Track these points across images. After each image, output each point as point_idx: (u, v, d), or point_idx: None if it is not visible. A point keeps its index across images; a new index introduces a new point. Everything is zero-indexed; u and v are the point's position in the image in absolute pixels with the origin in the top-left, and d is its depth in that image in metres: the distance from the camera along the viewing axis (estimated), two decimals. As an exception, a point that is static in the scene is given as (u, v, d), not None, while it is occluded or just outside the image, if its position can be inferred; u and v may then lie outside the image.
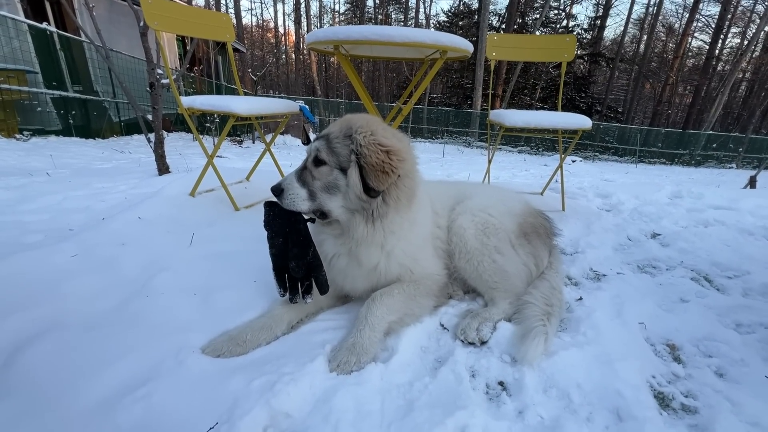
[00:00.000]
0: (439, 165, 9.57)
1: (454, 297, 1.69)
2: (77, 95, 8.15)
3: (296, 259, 1.35)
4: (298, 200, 1.32)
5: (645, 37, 31.53)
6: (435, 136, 21.06)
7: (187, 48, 12.23)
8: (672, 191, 3.61)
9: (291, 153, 10.73)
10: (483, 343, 1.38)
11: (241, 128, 15.23)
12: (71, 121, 7.93)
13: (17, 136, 6.64)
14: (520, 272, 1.61)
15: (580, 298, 1.69)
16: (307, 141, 14.68)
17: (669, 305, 1.72)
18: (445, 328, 1.49)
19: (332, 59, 39.00)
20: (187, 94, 13.06)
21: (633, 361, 1.27)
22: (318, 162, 1.34)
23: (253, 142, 13.32)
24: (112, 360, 1.16)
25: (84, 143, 7.63)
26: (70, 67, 8.20)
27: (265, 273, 1.79)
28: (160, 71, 5.06)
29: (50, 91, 7.58)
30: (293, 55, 42.06)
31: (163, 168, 4.95)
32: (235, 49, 17.27)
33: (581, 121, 2.54)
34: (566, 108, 24.98)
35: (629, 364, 1.25)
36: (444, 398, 1.09)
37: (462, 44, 2.15)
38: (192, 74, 12.83)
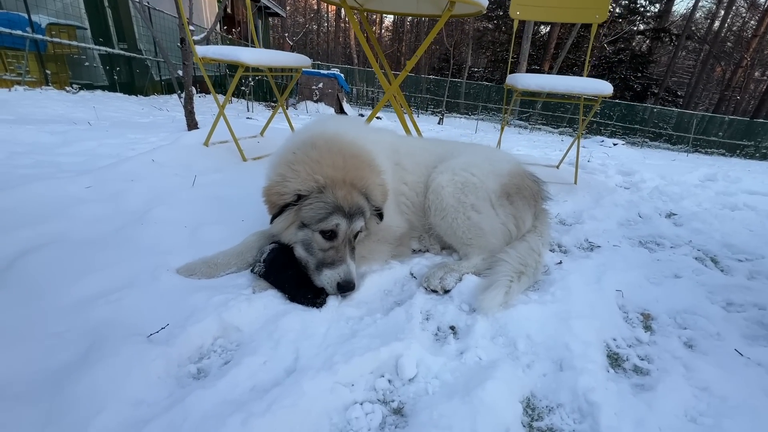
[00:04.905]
0: (468, 140, 9.30)
1: (431, 251, 1.70)
2: (122, 52, 8.54)
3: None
4: None
5: (722, 12, 28.14)
6: (472, 112, 20.34)
7: (226, 9, 12.37)
8: (706, 173, 3.33)
9: (321, 120, 10.73)
10: (446, 291, 1.40)
11: (271, 90, 15.46)
12: (116, 78, 8.36)
13: (67, 88, 7.11)
14: (496, 230, 1.58)
15: (560, 262, 1.65)
16: (340, 110, 14.66)
17: (659, 279, 1.64)
18: (414, 277, 1.52)
19: (374, 28, 38.06)
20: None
21: (593, 321, 1.24)
22: (358, 234, 1.38)
23: (287, 108, 13.49)
24: (96, 269, 1.28)
25: (126, 99, 8.05)
26: (116, 25, 8.57)
27: (254, 215, 1.88)
28: (192, 27, 5.19)
29: (98, 47, 7.99)
30: (334, 23, 41.46)
31: (192, 124, 5.16)
32: (275, 14, 17.24)
33: (600, 87, 2.38)
34: (617, 88, 23.18)
35: (588, 323, 1.22)
36: (388, 332, 1.13)
37: (472, -5, 2.04)
38: (230, 36, 13.01)
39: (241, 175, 2.49)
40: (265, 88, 15.90)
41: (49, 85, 6.90)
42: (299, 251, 1.34)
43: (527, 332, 1.18)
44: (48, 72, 6.93)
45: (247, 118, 7.96)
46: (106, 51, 8.09)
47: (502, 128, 2.92)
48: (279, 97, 3.18)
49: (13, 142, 3.48)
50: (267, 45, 16.88)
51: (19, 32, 6.29)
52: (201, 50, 2.58)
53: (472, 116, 19.34)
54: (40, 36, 6.59)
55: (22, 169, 2.69)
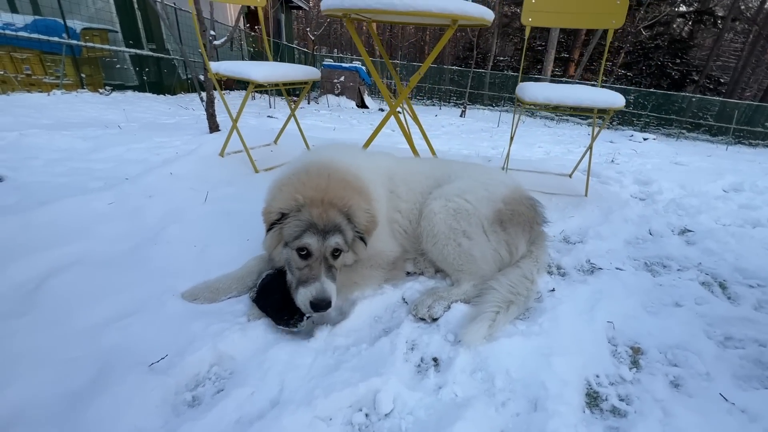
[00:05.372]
0: (489, 136, 9.10)
1: (425, 274, 1.73)
2: (151, 53, 8.87)
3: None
4: (335, 297, 1.31)
5: (775, -12, 25.76)
6: (496, 103, 19.85)
7: (249, 6, 12.52)
8: (732, 182, 3.17)
9: (341, 116, 10.80)
10: (434, 320, 1.44)
11: (298, 87, 15.64)
12: (145, 78, 8.72)
13: (101, 90, 7.50)
14: (487, 257, 1.60)
15: (553, 290, 1.65)
16: (361, 103, 14.67)
17: (657, 308, 1.62)
18: (405, 302, 1.57)
19: (397, 17, 37.54)
20: (249, 53, 13.56)
21: (576, 358, 1.25)
22: (338, 252, 1.37)
23: (308, 103, 13.63)
24: (110, 294, 1.41)
25: (155, 99, 8.40)
26: (145, 26, 8.89)
27: (258, 234, 1.97)
28: (212, 32, 5.34)
29: (128, 50, 8.34)
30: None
31: (213, 126, 5.36)
32: (298, 7, 17.31)
33: (611, 99, 2.30)
34: (653, 76, 21.96)
35: (570, 359, 1.24)
36: (370, 364, 1.19)
37: (475, 12, 2.01)
38: (254, 33, 13.20)
39: (250, 188, 2.59)
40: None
41: (83, 88, 7.29)
42: (288, 272, 1.41)
43: (507, 368, 1.21)
44: (83, 75, 7.31)
45: (268, 116, 8.13)
46: (135, 53, 8.42)
47: (511, 140, 2.87)
48: (291, 108, 3.25)
49: (50, 149, 3.75)
50: (290, 39, 17.02)
51: (56, 39, 6.65)
52: (214, 66, 2.68)
53: (496, 108, 18.88)
54: (75, 41, 6.95)
55: (58, 177, 2.91)
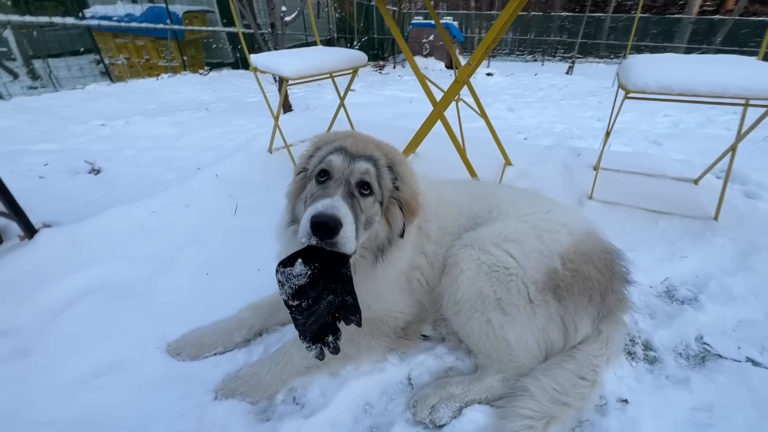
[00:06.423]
0: (597, 101, 7.43)
1: (447, 342, 1.36)
2: (243, 30, 9.25)
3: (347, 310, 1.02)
4: (352, 239, 0.96)
5: None
6: (617, 54, 16.51)
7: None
8: None
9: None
10: (437, 427, 1.09)
11: (383, 47, 15.14)
12: (238, 55, 9.20)
13: (200, 71, 8.13)
14: (527, 342, 1.15)
15: (625, 401, 1.13)
16: (451, 63, 13.58)
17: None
18: (411, 384, 1.24)
19: (501, -44, 33.15)
20: (336, 18, 13.37)
21: None
22: (366, 190, 1.08)
23: (394, 67, 13.08)
24: (106, 337, 1.38)
25: (246, 75, 8.84)
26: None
27: (272, 261, 1.80)
28: (283, 8, 5.20)
29: (223, 29, 8.82)
30: (456, -43, 37.45)
31: (286, 106, 5.45)
32: (388, -39, 16.30)
33: (778, 86, 1.47)
34: None
35: None
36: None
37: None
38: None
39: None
40: (376, 46, 15.52)
41: (186, 70, 7.98)
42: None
43: None
44: (185, 57, 7.98)
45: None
46: (228, 31, 8.87)
47: (608, 135, 2.13)
48: (341, 98, 2.96)
49: (145, 137, 4.17)
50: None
51: (161, 25, 7.29)
52: (252, 59, 2.51)
53: (615, 59, 15.73)
54: (176, 26, 7.54)
55: (141, 167, 3.19)
